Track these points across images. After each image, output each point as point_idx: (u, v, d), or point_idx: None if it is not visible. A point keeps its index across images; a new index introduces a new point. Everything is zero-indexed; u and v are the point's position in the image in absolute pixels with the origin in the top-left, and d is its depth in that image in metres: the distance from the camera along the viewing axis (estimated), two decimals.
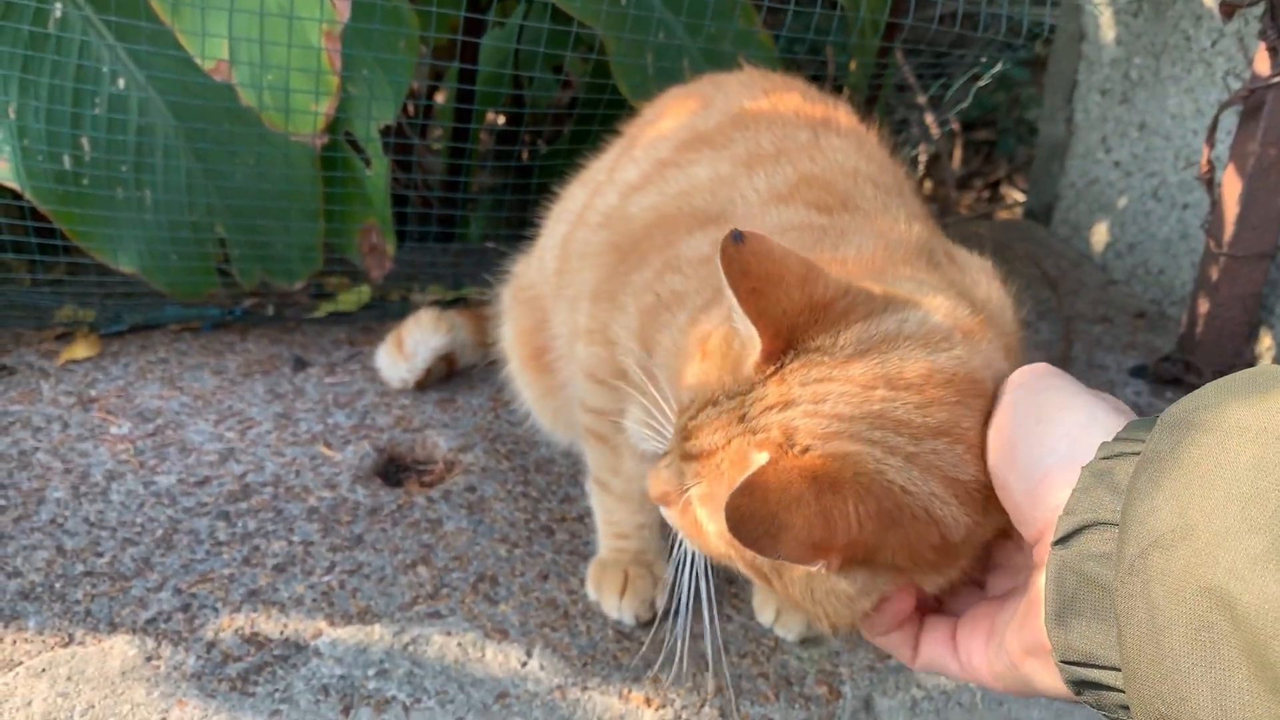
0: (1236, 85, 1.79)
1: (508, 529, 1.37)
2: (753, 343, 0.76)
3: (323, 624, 1.21)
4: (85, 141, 1.52)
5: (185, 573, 1.27)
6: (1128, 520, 0.60)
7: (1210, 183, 1.66)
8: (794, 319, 0.74)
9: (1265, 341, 1.76)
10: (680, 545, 0.89)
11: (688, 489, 0.80)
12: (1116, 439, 0.65)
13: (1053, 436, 0.69)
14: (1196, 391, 0.63)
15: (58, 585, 1.24)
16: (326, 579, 1.28)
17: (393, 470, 1.53)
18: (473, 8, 1.81)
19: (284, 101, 1.40)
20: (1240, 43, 1.79)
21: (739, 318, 0.76)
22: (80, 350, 1.73)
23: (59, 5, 1.49)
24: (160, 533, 1.34)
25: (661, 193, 1.13)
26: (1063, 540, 0.64)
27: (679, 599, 0.98)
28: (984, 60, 1.88)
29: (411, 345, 1.65)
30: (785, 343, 0.75)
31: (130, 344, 1.78)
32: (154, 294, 1.74)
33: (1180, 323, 1.82)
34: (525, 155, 2.26)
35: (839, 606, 0.77)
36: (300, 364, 1.73)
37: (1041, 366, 0.75)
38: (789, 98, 1.18)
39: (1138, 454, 0.62)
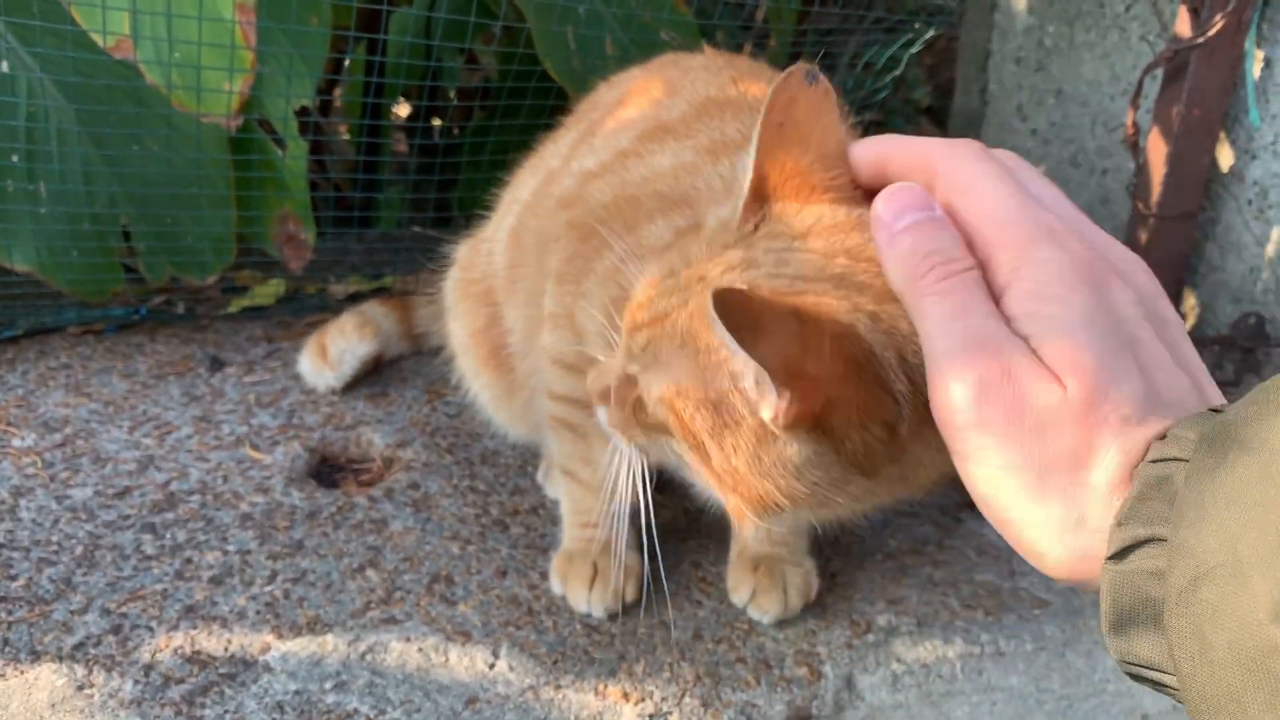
0: (1154, 48, 1.81)
1: (458, 525, 1.31)
2: (740, 188, 0.75)
3: (270, 637, 1.13)
4: None
5: (112, 591, 1.18)
6: (1175, 546, 0.56)
7: (1135, 146, 1.68)
8: (787, 177, 0.72)
9: (1189, 301, 1.80)
10: (615, 459, 0.88)
11: (634, 367, 0.78)
12: (1169, 437, 0.61)
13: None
14: (1241, 401, 0.59)
15: None
16: (269, 589, 1.19)
17: (327, 471, 1.45)
18: None
19: (194, 80, 1.30)
20: (1154, 6, 1.81)
21: (748, 154, 0.74)
22: None
23: None
24: (80, 550, 1.23)
25: (623, 180, 1.08)
26: (1117, 556, 0.60)
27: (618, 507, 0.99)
28: (917, 25, 1.86)
29: (336, 353, 1.57)
30: (764, 197, 0.74)
31: (27, 350, 1.65)
32: (50, 294, 1.61)
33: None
34: (438, 135, 2.17)
35: (782, 481, 0.72)
36: (216, 363, 1.63)
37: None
38: (755, 86, 1.14)
39: (1187, 459, 0.59)
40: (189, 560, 1.23)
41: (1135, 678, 0.64)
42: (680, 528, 1.33)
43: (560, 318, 1.08)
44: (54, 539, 1.25)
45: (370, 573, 1.22)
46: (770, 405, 0.68)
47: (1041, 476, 0.62)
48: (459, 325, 1.36)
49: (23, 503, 1.31)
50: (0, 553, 1.22)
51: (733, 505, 0.76)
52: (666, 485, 1.38)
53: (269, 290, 1.79)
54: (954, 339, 0.63)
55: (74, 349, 1.66)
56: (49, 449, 1.41)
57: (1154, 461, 0.60)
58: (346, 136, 2.19)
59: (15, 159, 1.43)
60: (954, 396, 0.62)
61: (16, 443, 1.42)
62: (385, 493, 1.36)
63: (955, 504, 1.38)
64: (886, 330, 0.68)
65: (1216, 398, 0.66)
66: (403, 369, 1.67)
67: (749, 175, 0.73)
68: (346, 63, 1.93)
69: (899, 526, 1.33)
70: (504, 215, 1.31)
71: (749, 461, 0.72)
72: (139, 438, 1.45)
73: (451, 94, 2.18)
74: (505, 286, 1.26)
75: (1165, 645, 0.58)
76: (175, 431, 1.46)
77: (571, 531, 1.22)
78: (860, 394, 0.68)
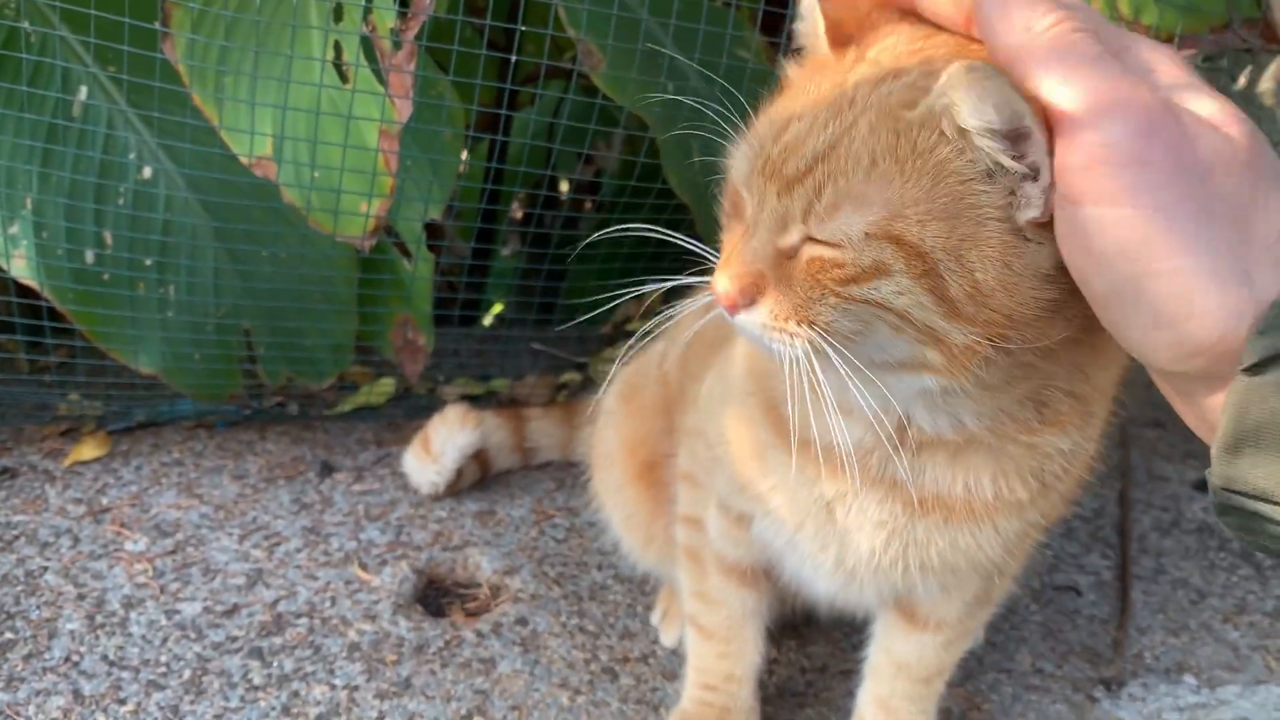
0: None
1: (567, 671, 1.27)
2: (818, 28, 0.76)
3: None
4: (108, 236, 1.41)
5: None
6: None
7: None
8: (857, 12, 0.74)
9: None
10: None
11: (798, 229, 0.69)
12: None
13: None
14: None
15: None
16: None
17: (433, 595, 1.42)
18: (497, 99, 1.73)
19: (333, 202, 1.30)
20: None
21: (811, 5, 0.76)
22: (88, 450, 1.61)
23: (84, 91, 1.39)
24: (188, 674, 1.22)
25: None
26: (1254, 368, 0.56)
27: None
28: None
29: (439, 444, 1.55)
30: (847, 33, 0.74)
31: (141, 442, 1.66)
32: (166, 387, 1.62)
33: None
34: (550, 236, 2.17)
35: (1031, 293, 0.66)
36: (326, 469, 1.62)
37: None
38: None
39: None
40: (296, 693, 1.21)
41: (1227, 510, 0.61)
42: (798, 690, 1.27)
43: (698, 434, 1.04)
44: (163, 659, 1.24)
45: None
46: (1038, 196, 0.63)
47: (1208, 219, 0.58)
48: (612, 433, 1.31)
49: (133, 615, 1.30)
50: (111, 671, 1.21)
51: (957, 349, 0.68)
52: (781, 636, 1.33)
53: (380, 390, 1.78)
54: (1104, 81, 0.60)
55: (186, 444, 1.67)
56: (160, 555, 1.41)
57: None
58: (460, 240, 2.20)
59: (149, 264, 1.45)
60: (1113, 131, 0.58)
61: (129, 546, 1.42)
62: (493, 627, 1.33)
63: (1089, 680, 1.30)
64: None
65: None
66: (510, 484, 1.65)
67: (820, 21, 0.75)
68: (465, 162, 1.94)
69: (1029, 704, 1.26)
70: (677, 338, 1.28)
71: (999, 272, 0.66)
72: (248, 548, 1.44)
73: (563, 190, 2.19)
74: (678, 398, 1.22)
75: None
76: (284, 543, 1.45)
77: (691, 691, 1.17)
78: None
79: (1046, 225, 0.65)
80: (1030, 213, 0.65)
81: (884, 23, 0.75)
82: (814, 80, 0.73)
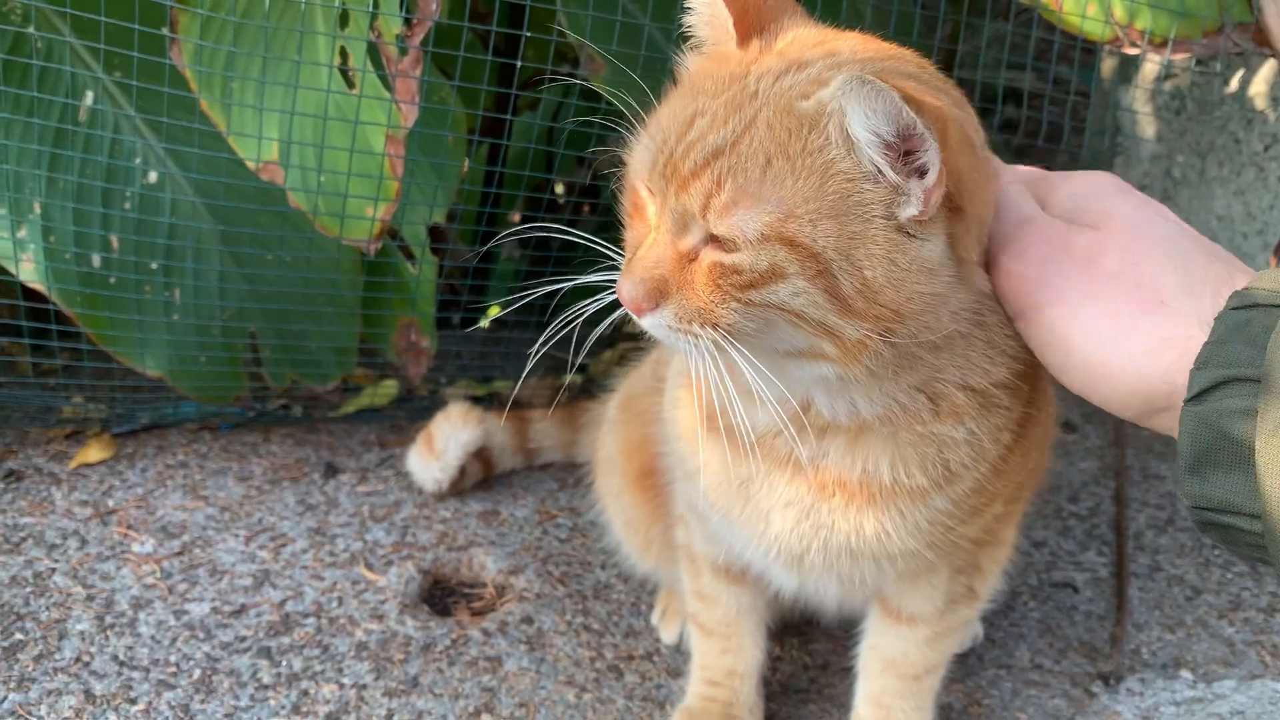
0: None
1: (573, 669, 1.28)
2: (724, 21, 0.76)
3: None
4: (114, 240, 1.42)
5: None
6: (1272, 384, 0.61)
7: None
8: (762, 4, 0.76)
9: None
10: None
11: (698, 229, 0.72)
12: (1250, 288, 0.67)
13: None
14: None
15: None
16: None
17: (439, 595, 1.44)
18: (498, 104, 1.75)
19: (339, 206, 1.32)
20: None
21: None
22: (93, 453, 1.62)
23: (90, 96, 1.40)
24: (198, 674, 1.23)
25: None
26: (1197, 397, 0.65)
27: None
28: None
29: (441, 442, 1.56)
30: (753, 25, 0.76)
31: (146, 444, 1.67)
32: (171, 390, 1.63)
33: None
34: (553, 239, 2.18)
35: (916, 287, 0.71)
36: (331, 470, 1.63)
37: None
38: None
39: (1273, 305, 0.64)
40: (305, 692, 1.22)
41: (1206, 526, 0.70)
42: (801, 687, 1.29)
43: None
44: (173, 659, 1.25)
45: (486, 718, 1.20)
46: (918, 194, 0.68)
47: (1127, 303, 0.72)
48: (612, 439, 1.33)
49: (142, 616, 1.31)
50: (121, 671, 1.23)
51: (850, 343, 0.72)
52: (784, 634, 1.35)
53: (383, 392, 1.79)
54: (1017, 216, 0.78)
55: (191, 446, 1.68)
56: (167, 557, 1.42)
57: (1234, 309, 0.66)
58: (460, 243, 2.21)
59: (155, 267, 1.46)
60: (1029, 259, 0.76)
61: (137, 548, 1.43)
62: (499, 626, 1.34)
63: (1087, 674, 1.32)
64: (955, 102, 0.76)
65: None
66: (514, 484, 1.66)
67: (723, 13, 0.76)
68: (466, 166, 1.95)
69: (1028, 699, 1.28)
70: None
71: (886, 269, 0.69)
72: (254, 549, 1.45)
73: (560, 192, 2.20)
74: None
75: (1247, 483, 0.63)
76: (290, 544, 1.47)
77: (696, 687, 1.19)
78: (971, 160, 0.72)
79: (928, 221, 0.70)
80: (910, 210, 0.69)
81: (785, 13, 0.77)
82: (717, 73, 0.75)
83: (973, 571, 1.03)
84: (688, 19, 0.81)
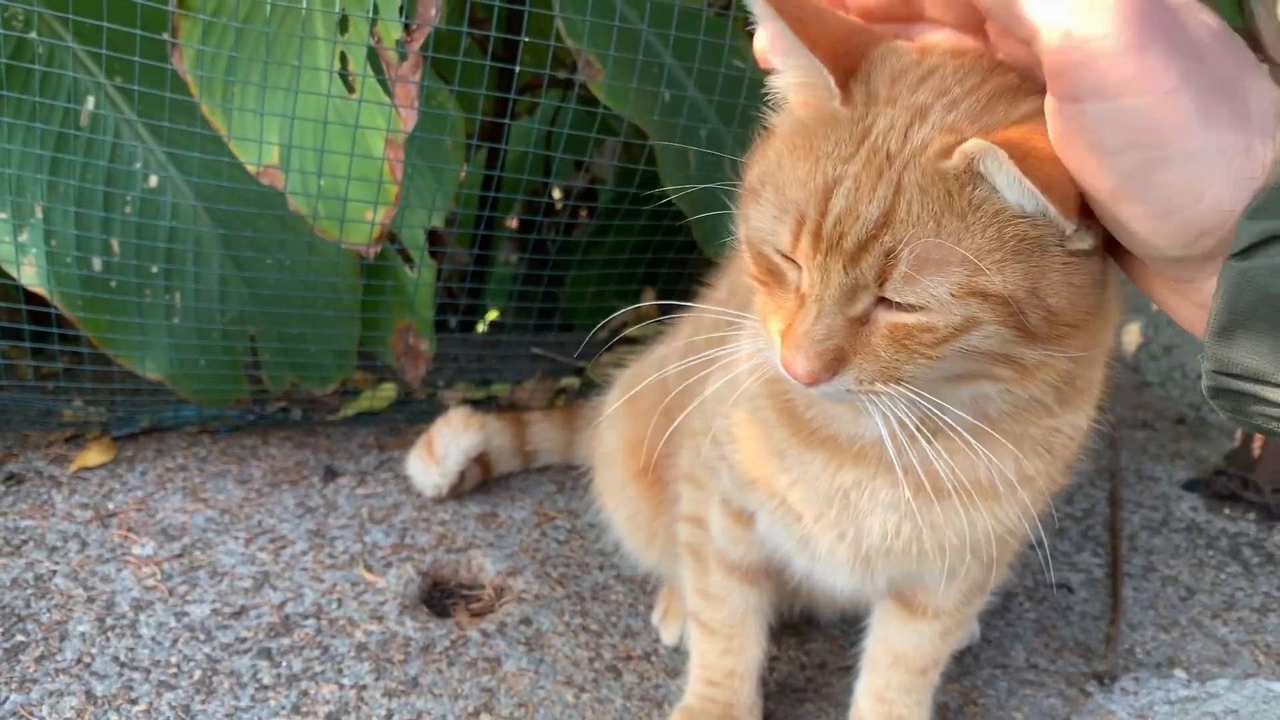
0: None
1: (571, 669, 1.29)
2: (825, 83, 0.71)
3: None
4: (115, 244, 1.43)
5: None
6: None
7: None
8: (846, 44, 0.71)
9: None
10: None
11: (867, 295, 0.69)
12: None
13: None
14: None
15: None
16: None
17: (438, 597, 1.44)
18: (497, 108, 1.76)
19: (339, 210, 1.33)
20: None
21: (798, 59, 0.71)
22: (93, 456, 1.63)
23: (91, 102, 1.41)
24: (199, 675, 1.24)
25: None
26: (1244, 252, 0.57)
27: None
28: None
29: (442, 447, 1.57)
30: (847, 72, 0.71)
31: (146, 448, 1.68)
32: (170, 393, 1.64)
33: (1233, 435, 1.79)
34: (550, 243, 2.20)
35: (1092, 299, 0.70)
36: (330, 473, 1.64)
37: None
38: None
39: None
40: (305, 693, 1.23)
41: (1220, 394, 0.62)
42: (798, 686, 1.30)
43: (702, 434, 1.07)
44: (173, 660, 1.26)
45: (485, 718, 1.21)
46: (1083, 230, 0.66)
47: (1211, 98, 0.58)
48: (613, 435, 1.34)
49: (143, 617, 1.32)
50: (122, 673, 1.23)
51: (1030, 365, 0.73)
52: (781, 634, 1.36)
53: (382, 395, 1.80)
54: None
55: (190, 449, 1.68)
56: (168, 559, 1.43)
57: None
58: (458, 247, 2.22)
59: (155, 271, 1.47)
60: (1117, 21, 0.57)
61: (137, 550, 1.44)
62: (498, 627, 1.35)
63: (1082, 674, 1.33)
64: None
65: None
66: (511, 487, 1.67)
67: (821, 66, 0.70)
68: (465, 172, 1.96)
69: (1024, 698, 1.29)
70: (683, 332, 1.30)
71: (1067, 292, 0.69)
72: (254, 551, 1.46)
73: (558, 197, 2.21)
74: (678, 400, 1.24)
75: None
76: (290, 546, 1.47)
77: (695, 687, 1.20)
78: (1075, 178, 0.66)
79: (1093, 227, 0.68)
80: (1084, 244, 0.67)
81: (867, 42, 0.73)
82: (833, 134, 0.71)
83: (989, 563, 1.04)
84: (774, 81, 0.76)
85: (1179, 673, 1.34)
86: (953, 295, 0.67)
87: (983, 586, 1.08)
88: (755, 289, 0.79)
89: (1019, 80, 0.71)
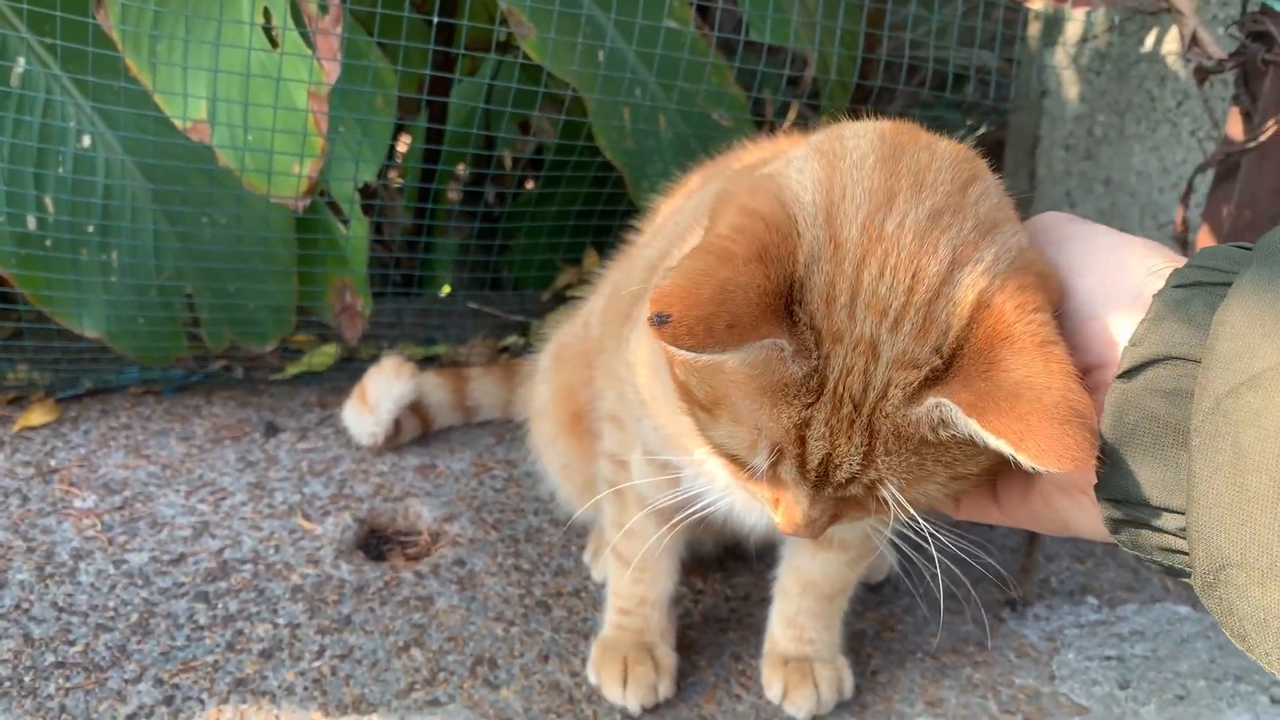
0: (1204, 144, 1.82)
1: (502, 606, 1.33)
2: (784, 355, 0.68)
3: (317, 714, 1.15)
4: (49, 202, 1.45)
5: (165, 661, 1.21)
6: (1215, 356, 0.56)
7: (1184, 242, 1.69)
8: (774, 299, 0.67)
9: None
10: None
11: (872, 479, 0.71)
12: (1190, 266, 0.62)
13: (1100, 268, 0.68)
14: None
15: (28, 679, 1.17)
16: (317, 664, 1.22)
17: (375, 543, 1.48)
18: (440, 65, 1.78)
19: (266, 164, 1.35)
20: (1205, 104, 1.83)
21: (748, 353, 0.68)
22: (36, 416, 1.65)
23: (21, 61, 1.43)
24: (135, 617, 1.27)
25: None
26: (1127, 374, 0.60)
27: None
28: (969, 123, 1.89)
29: (375, 395, 1.60)
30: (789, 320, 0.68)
31: (90, 408, 1.70)
32: (113, 355, 1.66)
33: None
34: (496, 205, 2.22)
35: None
36: (271, 429, 1.67)
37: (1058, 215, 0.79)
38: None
39: (1217, 284, 0.60)
40: (240, 632, 1.26)
41: (1119, 527, 0.62)
42: (721, 616, 1.34)
43: (626, 380, 1.10)
44: (111, 604, 1.29)
45: (415, 652, 1.25)
46: None
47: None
48: (545, 388, 1.37)
49: (82, 565, 1.35)
50: (60, 616, 1.26)
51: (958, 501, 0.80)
52: (707, 569, 1.40)
53: (323, 355, 1.83)
54: None
55: (134, 409, 1.71)
56: (108, 511, 1.45)
57: (1176, 287, 0.61)
58: (403, 202, 2.24)
59: (91, 229, 1.49)
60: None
61: (78, 504, 1.46)
62: (432, 569, 1.39)
63: (997, 601, 1.38)
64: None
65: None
66: (451, 440, 1.70)
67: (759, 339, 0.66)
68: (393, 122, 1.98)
69: (940, 624, 1.34)
70: (601, 294, 1.34)
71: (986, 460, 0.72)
72: (195, 503, 1.49)
73: (506, 162, 2.24)
74: (598, 355, 1.28)
75: (1165, 475, 0.58)
76: (230, 498, 1.50)
77: (610, 617, 1.24)
78: None
79: None
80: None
81: (758, 317, 0.67)
82: (784, 380, 0.69)
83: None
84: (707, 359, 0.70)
85: (1090, 599, 1.40)
86: (939, 485, 0.72)
87: (887, 520, 1.12)
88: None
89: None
